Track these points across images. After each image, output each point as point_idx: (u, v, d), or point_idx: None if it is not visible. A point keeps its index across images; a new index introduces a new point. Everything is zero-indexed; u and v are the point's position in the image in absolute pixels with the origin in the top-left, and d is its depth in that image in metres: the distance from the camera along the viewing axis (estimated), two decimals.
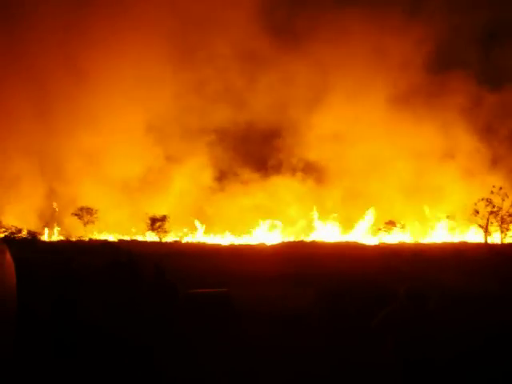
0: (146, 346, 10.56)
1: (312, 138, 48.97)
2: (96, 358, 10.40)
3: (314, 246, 37.43)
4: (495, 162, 48.11)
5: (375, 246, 39.00)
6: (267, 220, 44.71)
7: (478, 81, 48.95)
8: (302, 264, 25.06)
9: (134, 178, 45.92)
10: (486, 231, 41.93)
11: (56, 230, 41.91)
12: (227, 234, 43.73)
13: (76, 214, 42.17)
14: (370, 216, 45.38)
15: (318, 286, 14.78)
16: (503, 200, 41.97)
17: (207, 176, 48.17)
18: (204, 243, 40.77)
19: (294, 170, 49.33)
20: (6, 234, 38.03)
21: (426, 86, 49.13)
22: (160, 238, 41.57)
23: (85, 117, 44.69)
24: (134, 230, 43.09)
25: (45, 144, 44.04)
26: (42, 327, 11.64)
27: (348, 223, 45.86)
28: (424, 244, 40.98)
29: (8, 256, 7.84)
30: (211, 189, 48.11)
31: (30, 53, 43.15)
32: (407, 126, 48.20)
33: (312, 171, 49.37)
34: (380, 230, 44.26)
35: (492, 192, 41.86)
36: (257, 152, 50.58)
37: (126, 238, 41.57)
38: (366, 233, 45.12)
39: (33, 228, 39.20)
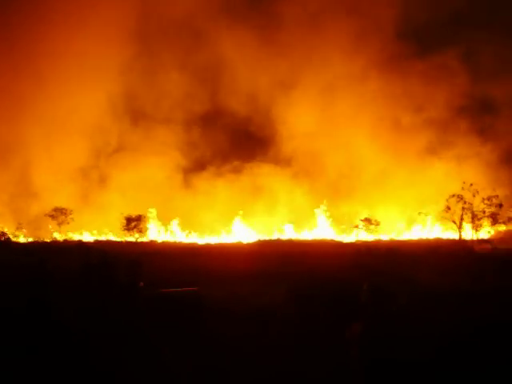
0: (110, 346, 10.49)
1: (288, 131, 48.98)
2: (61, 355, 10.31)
3: (290, 244, 37.52)
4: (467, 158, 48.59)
5: (351, 243, 39.22)
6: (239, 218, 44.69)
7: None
8: (277, 262, 25.08)
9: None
10: (460, 227, 42.37)
11: (27, 231, 41.35)
12: (204, 232, 43.62)
13: (50, 215, 41.73)
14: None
15: (290, 284, 14.79)
16: (474, 196, 42.45)
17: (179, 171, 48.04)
18: (180, 242, 40.61)
19: (276, 163, 49.33)
20: None
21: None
22: (135, 238, 41.32)
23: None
24: (106, 230, 42.74)
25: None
26: (14, 327, 11.52)
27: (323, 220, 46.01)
28: (400, 241, 41.27)
29: None
30: (185, 184, 47.89)
31: None
32: (383, 120, 48.60)
33: (291, 165, 49.32)
34: (356, 227, 44.49)
35: (463, 188, 42.37)
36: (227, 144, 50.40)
37: (102, 238, 41.30)
38: (342, 230, 45.36)
39: (6, 229, 38.73)
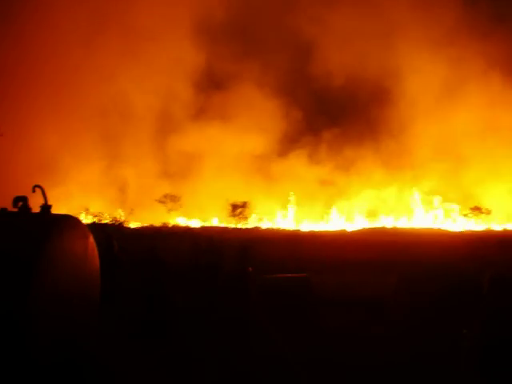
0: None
1: None
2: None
3: (395, 232, 36.68)
4: None
5: (460, 233, 37.79)
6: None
7: None
8: (383, 251, 24.70)
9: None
10: None
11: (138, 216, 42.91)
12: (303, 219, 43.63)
13: (160, 201, 43.18)
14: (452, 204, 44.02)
15: (400, 274, 14.49)
16: None
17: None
18: (284, 229, 40.78)
19: None
20: (95, 220, 39.45)
21: None
22: (241, 224, 41.96)
23: None
24: (212, 216, 43.64)
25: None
26: (126, 310, 12.00)
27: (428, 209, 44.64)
28: None
29: (91, 241, 8.12)
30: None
31: None
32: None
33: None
34: (466, 215, 42.81)
35: None
36: None
37: (208, 224, 42.23)
38: (449, 219, 43.82)
39: (117, 215, 40.46)
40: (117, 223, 38.40)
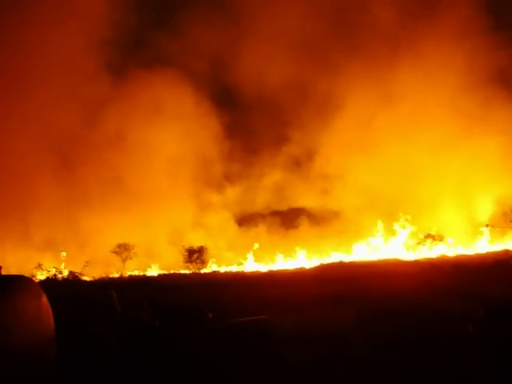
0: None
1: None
2: None
3: (352, 265, 36.96)
4: None
5: (415, 261, 38.34)
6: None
7: None
8: (341, 285, 24.84)
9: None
10: None
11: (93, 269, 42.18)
12: (263, 260, 43.59)
13: (114, 252, 42.60)
14: (406, 230, 44.68)
15: (360, 308, 14.57)
16: None
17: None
18: (243, 272, 40.66)
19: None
20: (48, 276, 38.56)
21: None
22: (198, 269, 41.64)
23: None
24: (168, 265, 43.23)
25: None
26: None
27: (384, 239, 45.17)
28: (466, 255, 40.10)
29: (44, 300, 7.97)
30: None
31: None
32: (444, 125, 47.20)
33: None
34: (419, 243, 43.52)
35: None
36: None
37: (164, 271, 41.80)
38: (403, 247, 44.43)
39: (73, 268, 39.66)
40: (72, 277, 37.60)
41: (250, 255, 43.53)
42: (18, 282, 7.62)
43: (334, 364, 11.63)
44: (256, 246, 43.74)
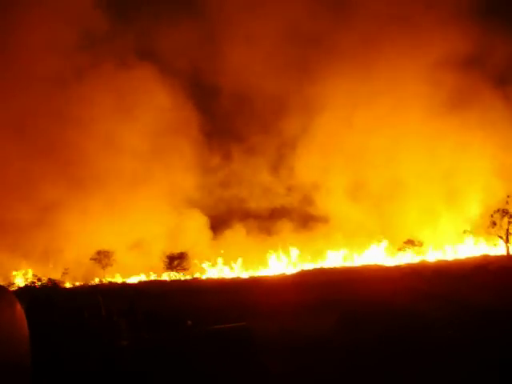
0: None
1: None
2: None
3: (333, 271, 37.01)
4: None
5: (395, 266, 38.52)
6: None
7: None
8: (322, 291, 24.80)
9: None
10: (507, 242, 41.50)
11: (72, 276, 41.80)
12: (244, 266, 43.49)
13: (94, 259, 42.26)
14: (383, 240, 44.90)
15: (340, 314, 14.54)
16: None
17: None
18: (223, 278, 40.53)
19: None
20: (27, 283, 38.19)
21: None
22: (179, 276, 41.45)
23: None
24: (149, 272, 42.96)
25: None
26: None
27: (365, 245, 45.29)
28: (446, 261, 40.41)
29: (18, 308, 7.78)
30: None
31: None
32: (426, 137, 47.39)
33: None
34: (400, 250, 43.73)
35: (507, 202, 41.76)
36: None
37: (146, 278, 41.58)
38: (384, 254, 44.61)
39: (52, 275, 39.28)
40: (51, 284, 37.26)
41: (237, 262, 43.55)
42: None
43: (316, 370, 11.57)
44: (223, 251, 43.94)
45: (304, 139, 47.85)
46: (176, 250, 42.32)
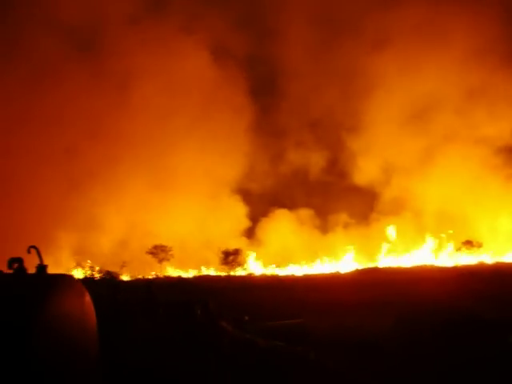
0: None
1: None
2: None
3: (389, 271, 36.64)
4: None
5: (452, 267, 37.84)
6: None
7: None
8: (378, 291, 24.64)
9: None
10: None
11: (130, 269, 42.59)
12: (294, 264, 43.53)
13: (151, 253, 42.93)
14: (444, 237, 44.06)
15: (398, 315, 14.42)
16: None
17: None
18: (277, 275, 40.63)
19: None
20: (86, 275, 39.12)
21: None
22: (232, 272, 41.76)
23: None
24: (204, 266, 43.46)
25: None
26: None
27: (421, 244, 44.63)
28: (505, 263, 39.39)
29: (87, 299, 8.10)
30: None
31: None
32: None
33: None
34: (458, 250, 42.85)
35: None
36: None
37: (201, 273, 42.07)
38: (441, 254, 43.83)
39: (110, 267, 40.13)
40: (110, 277, 38.08)
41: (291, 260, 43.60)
42: (63, 281, 7.76)
43: (370, 370, 11.57)
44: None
45: (365, 134, 47.42)
46: (231, 247, 42.65)
